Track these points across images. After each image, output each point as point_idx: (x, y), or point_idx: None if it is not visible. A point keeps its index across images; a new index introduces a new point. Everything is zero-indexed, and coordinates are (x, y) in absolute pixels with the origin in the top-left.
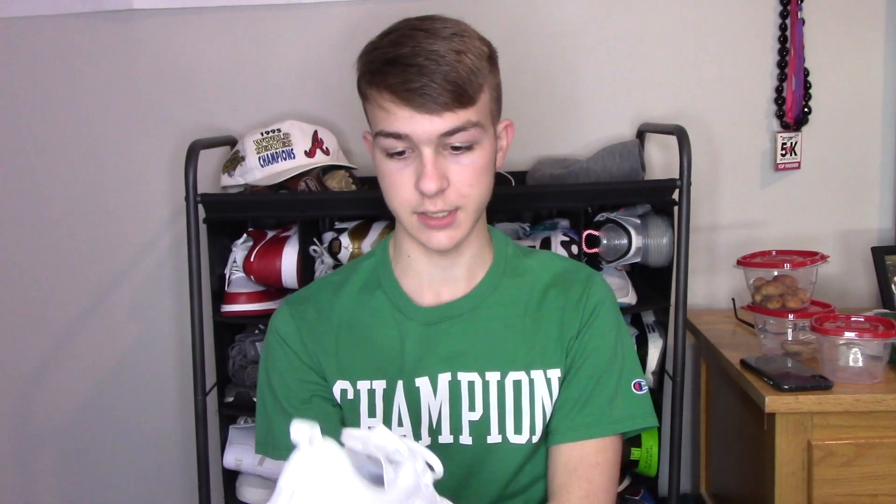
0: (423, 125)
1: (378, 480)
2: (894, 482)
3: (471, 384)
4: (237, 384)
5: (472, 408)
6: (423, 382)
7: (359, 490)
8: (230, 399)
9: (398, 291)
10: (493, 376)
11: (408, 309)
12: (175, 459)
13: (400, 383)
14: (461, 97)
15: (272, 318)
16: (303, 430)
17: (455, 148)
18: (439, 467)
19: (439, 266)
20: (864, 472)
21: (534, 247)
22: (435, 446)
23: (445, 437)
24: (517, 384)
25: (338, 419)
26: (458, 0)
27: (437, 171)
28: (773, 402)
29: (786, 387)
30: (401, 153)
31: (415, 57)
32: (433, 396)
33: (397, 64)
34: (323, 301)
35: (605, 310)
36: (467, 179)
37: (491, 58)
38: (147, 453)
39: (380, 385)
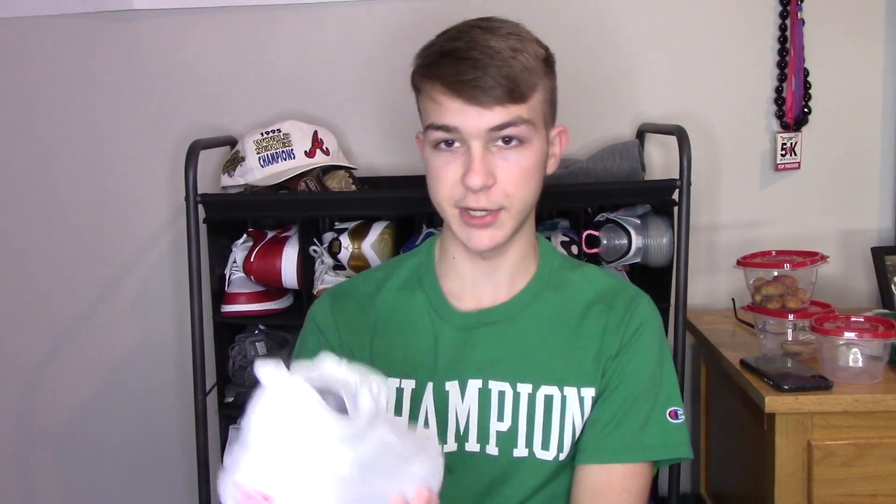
0: (472, 118)
1: (338, 412)
2: (894, 482)
3: (501, 394)
4: (237, 384)
5: (500, 418)
6: (452, 386)
7: (328, 421)
8: (230, 399)
9: (437, 293)
10: (524, 388)
11: (445, 311)
12: (175, 459)
13: (430, 385)
14: (513, 92)
15: (312, 307)
16: (268, 370)
17: (504, 144)
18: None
19: (482, 269)
20: (864, 473)
21: None
22: (461, 454)
23: (472, 446)
24: (548, 399)
25: None
26: (459, 2)
27: (484, 167)
28: (773, 402)
29: (786, 387)
30: (448, 145)
31: (469, 50)
32: (461, 401)
33: (451, 56)
34: (363, 296)
35: (649, 332)
36: (514, 178)
37: (547, 61)
38: (147, 453)
39: (409, 385)
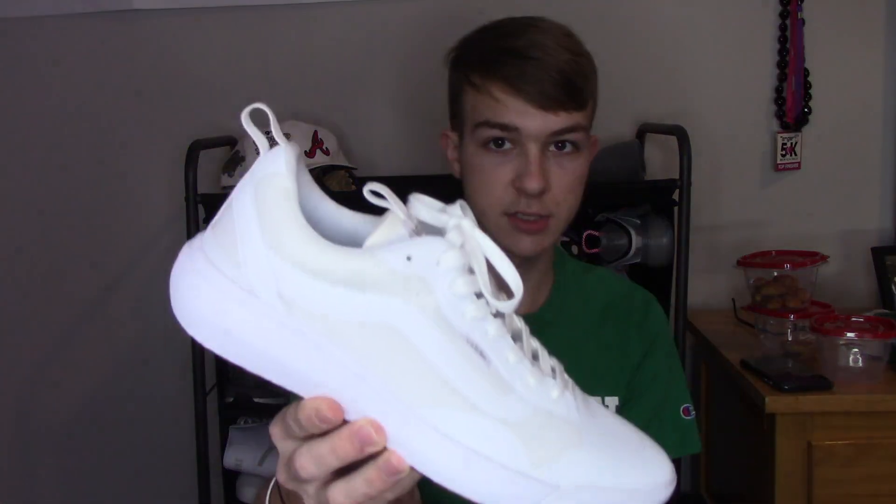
0: (535, 120)
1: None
2: (894, 482)
3: None
4: (237, 384)
5: None
6: None
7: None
8: (230, 399)
9: None
10: None
11: None
12: (175, 459)
13: None
14: (576, 97)
15: None
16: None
17: (559, 150)
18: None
19: None
20: (865, 473)
21: None
22: None
23: None
24: None
25: None
26: (459, 2)
27: (542, 171)
28: (774, 402)
29: (786, 387)
30: (500, 145)
31: (532, 49)
32: None
33: (513, 54)
34: None
35: (663, 336)
36: (567, 185)
37: (595, 69)
38: (147, 453)
39: None
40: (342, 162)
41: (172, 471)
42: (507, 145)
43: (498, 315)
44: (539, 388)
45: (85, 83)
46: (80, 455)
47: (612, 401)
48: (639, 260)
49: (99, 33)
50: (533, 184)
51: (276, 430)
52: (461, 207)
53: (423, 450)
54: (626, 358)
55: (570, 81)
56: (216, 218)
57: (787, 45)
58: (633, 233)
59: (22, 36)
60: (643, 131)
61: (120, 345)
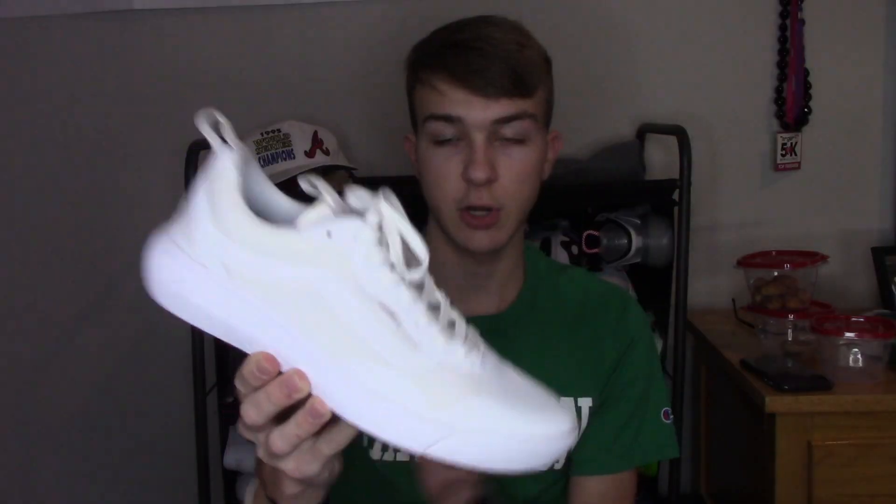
0: (477, 109)
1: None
2: (894, 482)
3: None
4: None
5: None
6: None
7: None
8: (230, 399)
9: None
10: None
11: None
12: (175, 459)
13: None
14: (520, 85)
15: None
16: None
17: (507, 140)
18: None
19: (474, 277)
20: (865, 473)
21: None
22: None
23: None
24: None
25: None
26: (458, 1)
27: (487, 159)
28: (773, 402)
29: (786, 387)
30: (450, 140)
31: (475, 41)
32: None
33: (458, 46)
34: None
35: (642, 339)
36: (516, 175)
37: (548, 61)
38: (147, 453)
39: None
40: (342, 162)
41: (172, 471)
42: (455, 139)
43: (416, 287)
44: (446, 347)
45: (85, 83)
46: (80, 455)
47: (586, 402)
48: (639, 260)
49: (99, 33)
50: (478, 172)
51: (238, 392)
52: (383, 193)
53: (340, 394)
54: (600, 359)
55: (513, 70)
56: (179, 206)
57: (787, 45)
58: (633, 233)
59: (22, 36)
60: (643, 131)
61: (120, 345)
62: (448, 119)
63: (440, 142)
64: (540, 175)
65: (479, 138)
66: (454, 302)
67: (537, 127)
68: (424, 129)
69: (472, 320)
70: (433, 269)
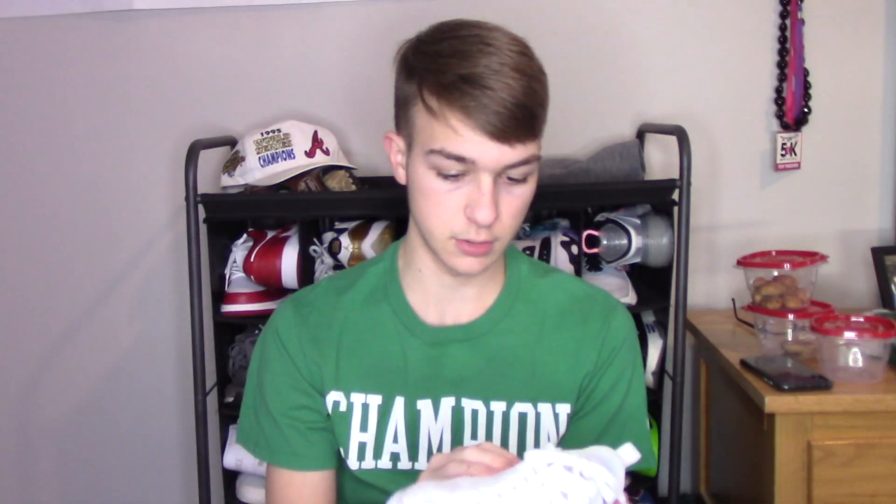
0: (492, 153)
1: None
2: (894, 482)
3: (474, 413)
4: (237, 384)
5: (474, 437)
6: (425, 405)
7: None
8: (230, 399)
9: (404, 305)
10: (498, 406)
11: (414, 326)
12: (175, 459)
13: (399, 401)
14: (532, 129)
15: (273, 317)
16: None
17: (511, 180)
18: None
19: (450, 284)
20: (864, 473)
21: (533, 247)
22: None
23: None
24: (523, 417)
25: (320, 437)
26: (458, 2)
27: (494, 202)
28: (773, 402)
29: (786, 387)
30: (455, 176)
31: (490, 77)
32: (434, 420)
33: (472, 83)
34: (326, 306)
35: (627, 347)
36: (514, 211)
37: (547, 87)
38: (147, 454)
39: (374, 400)
40: (342, 162)
41: (172, 471)
42: (461, 174)
43: None
44: None
45: (85, 83)
46: (80, 455)
47: (564, 408)
48: (639, 260)
49: (99, 33)
50: (485, 215)
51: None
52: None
53: None
54: (580, 365)
55: (526, 111)
56: None
57: (787, 45)
58: (633, 233)
59: (22, 36)
60: (643, 131)
61: (120, 345)
62: (459, 159)
63: (445, 175)
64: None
65: (487, 180)
66: (430, 307)
67: (539, 162)
68: (428, 158)
69: (447, 329)
70: (410, 274)
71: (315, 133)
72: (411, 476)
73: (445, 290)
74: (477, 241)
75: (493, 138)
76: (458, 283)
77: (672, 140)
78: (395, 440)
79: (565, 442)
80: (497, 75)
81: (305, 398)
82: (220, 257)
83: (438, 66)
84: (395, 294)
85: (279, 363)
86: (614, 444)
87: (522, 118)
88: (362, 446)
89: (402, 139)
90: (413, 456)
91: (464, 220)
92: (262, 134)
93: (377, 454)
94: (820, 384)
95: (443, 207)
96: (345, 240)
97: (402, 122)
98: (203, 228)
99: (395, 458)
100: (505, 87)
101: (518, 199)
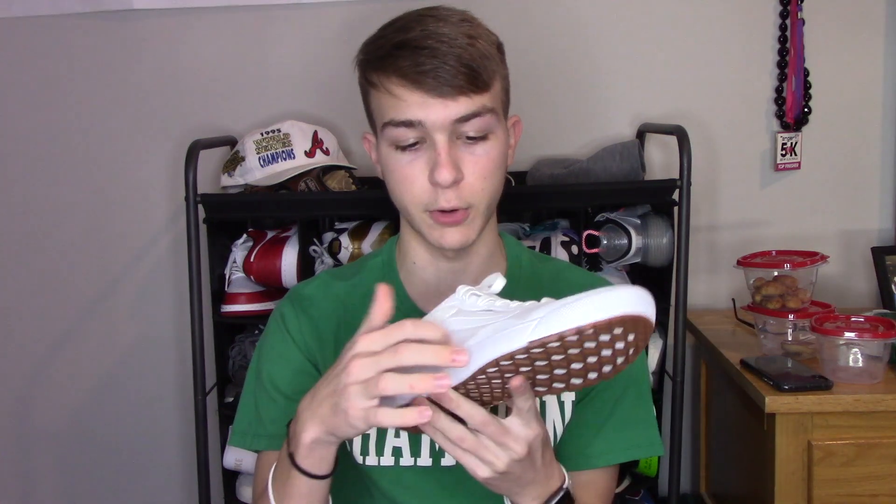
0: (436, 110)
1: None
2: (894, 482)
3: None
4: (237, 384)
5: None
6: None
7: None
8: (230, 399)
9: (404, 297)
10: None
11: (414, 318)
12: (175, 459)
13: None
14: (476, 80)
15: (277, 307)
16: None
17: (469, 138)
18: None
19: (447, 273)
20: (865, 473)
21: (533, 247)
22: (436, 469)
23: (448, 460)
24: None
25: None
26: (457, 2)
27: (452, 160)
28: (773, 402)
29: (786, 387)
30: (412, 145)
31: (425, 39)
32: None
33: (407, 47)
34: (327, 299)
35: None
36: (481, 171)
37: (500, 48)
38: (147, 453)
39: None
40: (342, 162)
41: (172, 471)
42: (419, 143)
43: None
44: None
45: (85, 83)
46: (80, 455)
47: (569, 396)
48: (639, 260)
49: (99, 33)
50: (444, 175)
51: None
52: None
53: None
54: None
55: (467, 66)
56: None
57: (787, 45)
58: (633, 233)
59: (22, 36)
60: (643, 131)
61: (120, 345)
62: (408, 124)
63: (402, 146)
64: (505, 166)
65: (441, 140)
66: (430, 299)
67: (498, 119)
68: (384, 134)
69: None
70: (405, 267)
71: (315, 133)
72: (414, 472)
73: (443, 280)
74: (448, 209)
75: (435, 94)
76: (456, 268)
77: (672, 140)
78: (397, 434)
79: (572, 429)
80: (432, 37)
81: (307, 379)
82: (220, 257)
83: (377, 44)
84: (395, 287)
85: (282, 345)
86: (619, 432)
87: (462, 71)
88: (365, 439)
89: (372, 134)
90: (415, 452)
91: (431, 189)
92: (261, 134)
93: (379, 450)
94: (820, 384)
95: (409, 181)
96: (345, 240)
97: (369, 117)
98: (203, 228)
99: (397, 453)
100: (440, 45)
101: (482, 158)
